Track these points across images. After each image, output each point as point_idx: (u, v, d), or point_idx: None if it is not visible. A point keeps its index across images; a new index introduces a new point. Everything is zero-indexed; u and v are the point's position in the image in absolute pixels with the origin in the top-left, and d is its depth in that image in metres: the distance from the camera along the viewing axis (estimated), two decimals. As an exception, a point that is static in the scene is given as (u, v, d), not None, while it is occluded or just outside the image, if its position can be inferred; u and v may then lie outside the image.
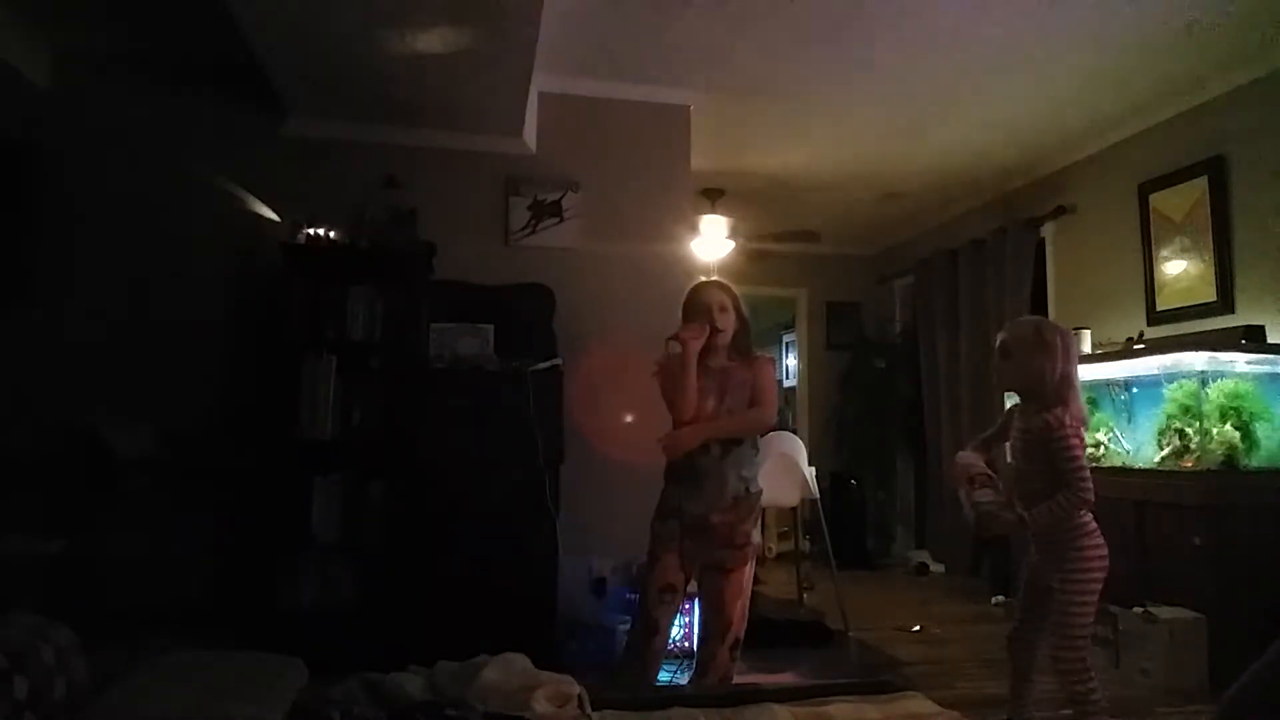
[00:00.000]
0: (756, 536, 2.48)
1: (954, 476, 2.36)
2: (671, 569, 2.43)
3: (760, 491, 2.49)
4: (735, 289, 2.55)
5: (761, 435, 2.58)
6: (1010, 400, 2.59)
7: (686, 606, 2.58)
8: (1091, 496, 2.17)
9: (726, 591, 2.42)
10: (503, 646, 1.96)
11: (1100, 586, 2.24)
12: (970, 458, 2.38)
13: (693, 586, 2.54)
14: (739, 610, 2.43)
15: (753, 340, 2.56)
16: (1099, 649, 3.54)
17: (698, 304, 2.49)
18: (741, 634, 2.47)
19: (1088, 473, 2.20)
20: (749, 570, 2.46)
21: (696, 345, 2.41)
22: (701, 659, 2.49)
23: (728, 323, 2.47)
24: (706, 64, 4.02)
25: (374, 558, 3.35)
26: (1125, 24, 3.57)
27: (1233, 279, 3.96)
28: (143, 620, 2.88)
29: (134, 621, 2.81)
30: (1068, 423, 2.21)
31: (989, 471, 2.34)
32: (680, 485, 2.44)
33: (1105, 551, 2.25)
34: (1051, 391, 2.25)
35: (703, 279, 2.60)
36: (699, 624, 2.60)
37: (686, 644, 3.30)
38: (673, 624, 2.54)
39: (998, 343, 2.38)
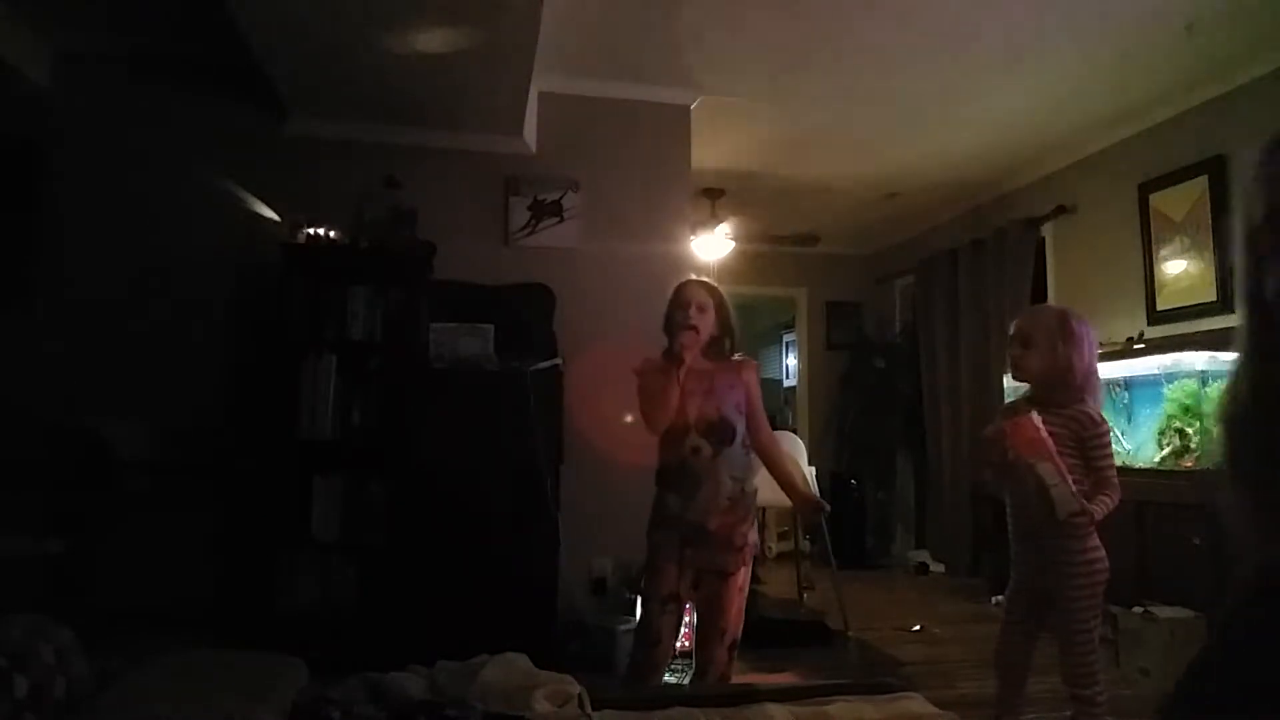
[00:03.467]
0: (753, 537, 2.45)
1: (1026, 441, 2.05)
2: (672, 578, 2.39)
3: (755, 491, 2.45)
4: (722, 290, 2.51)
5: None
6: (1008, 394, 2.50)
7: (687, 607, 2.57)
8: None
9: (725, 596, 2.37)
10: (503, 646, 1.96)
11: (1103, 589, 2.18)
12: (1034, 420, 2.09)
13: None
14: (735, 612, 2.40)
15: (736, 344, 2.52)
16: (1099, 648, 3.54)
17: (679, 300, 2.46)
18: (739, 634, 2.44)
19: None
20: (746, 572, 2.42)
21: (691, 356, 2.37)
22: (700, 662, 2.46)
23: (705, 323, 2.43)
24: (707, 64, 4.02)
25: (374, 557, 3.35)
26: (1125, 23, 3.57)
27: (1233, 279, 3.94)
28: (143, 620, 2.88)
29: (134, 621, 2.81)
30: (1100, 419, 2.14)
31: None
32: (676, 492, 2.40)
33: (1104, 553, 2.19)
34: (1077, 385, 2.17)
35: (691, 277, 2.56)
36: (697, 627, 2.58)
37: (686, 644, 3.30)
38: (676, 632, 2.50)
39: (1015, 330, 2.27)
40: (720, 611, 2.39)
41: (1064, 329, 2.19)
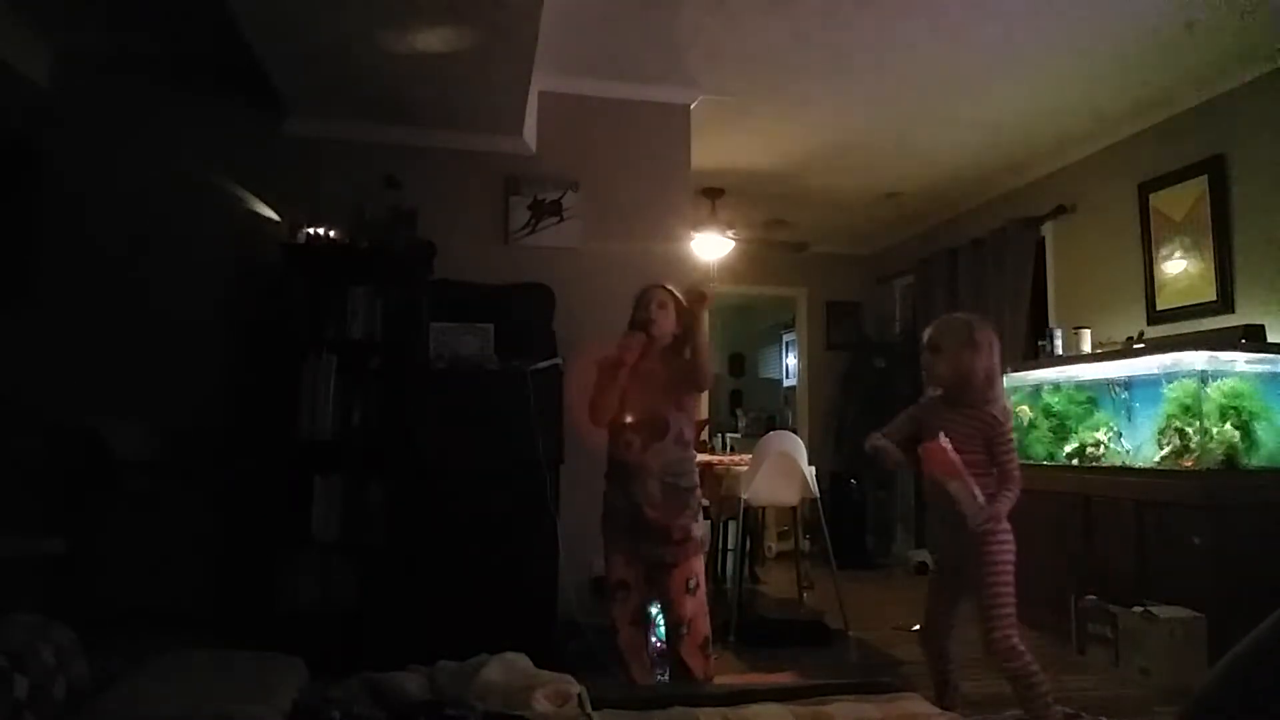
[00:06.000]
0: (697, 531, 2.53)
1: (939, 463, 2.25)
2: (620, 566, 2.53)
3: (693, 488, 2.54)
4: (678, 294, 2.62)
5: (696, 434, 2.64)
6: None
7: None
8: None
9: (671, 588, 2.48)
10: (503, 646, 1.96)
11: (1014, 567, 2.33)
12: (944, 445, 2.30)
13: None
14: (691, 606, 2.47)
15: (696, 350, 2.57)
16: (1099, 648, 3.55)
17: (641, 300, 2.60)
18: (705, 629, 2.52)
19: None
20: (694, 565, 2.50)
21: (631, 358, 2.50)
22: (670, 660, 2.55)
23: (664, 319, 2.56)
24: (706, 64, 4.02)
25: (374, 557, 3.35)
26: (1125, 24, 3.57)
27: (1233, 278, 3.96)
28: (143, 620, 2.88)
29: (134, 621, 2.82)
30: (1003, 419, 2.35)
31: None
32: (614, 483, 2.53)
33: (1011, 536, 2.33)
34: (979, 388, 2.36)
35: (652, 284, 2.67)
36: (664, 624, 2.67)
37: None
38: (641, 620, 2.58)
39: (926, 338, 2.47)
40: (668, 604, 2.51)
41: (968, 337, 2.40)
